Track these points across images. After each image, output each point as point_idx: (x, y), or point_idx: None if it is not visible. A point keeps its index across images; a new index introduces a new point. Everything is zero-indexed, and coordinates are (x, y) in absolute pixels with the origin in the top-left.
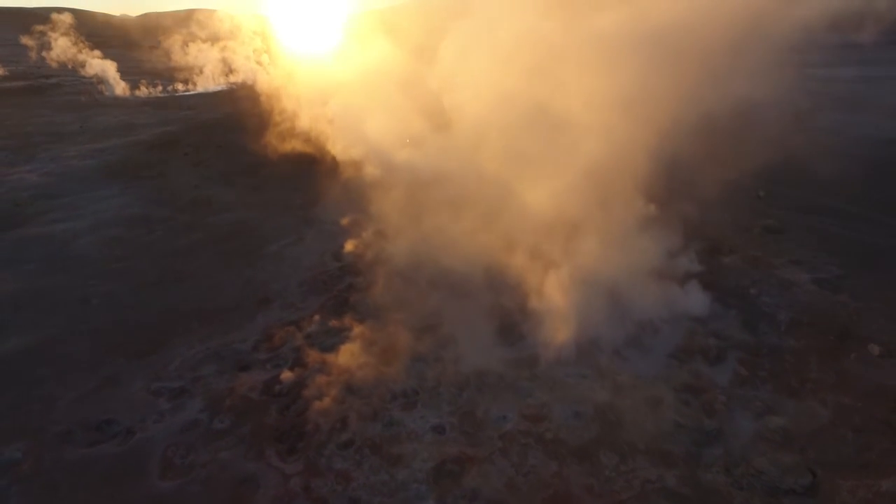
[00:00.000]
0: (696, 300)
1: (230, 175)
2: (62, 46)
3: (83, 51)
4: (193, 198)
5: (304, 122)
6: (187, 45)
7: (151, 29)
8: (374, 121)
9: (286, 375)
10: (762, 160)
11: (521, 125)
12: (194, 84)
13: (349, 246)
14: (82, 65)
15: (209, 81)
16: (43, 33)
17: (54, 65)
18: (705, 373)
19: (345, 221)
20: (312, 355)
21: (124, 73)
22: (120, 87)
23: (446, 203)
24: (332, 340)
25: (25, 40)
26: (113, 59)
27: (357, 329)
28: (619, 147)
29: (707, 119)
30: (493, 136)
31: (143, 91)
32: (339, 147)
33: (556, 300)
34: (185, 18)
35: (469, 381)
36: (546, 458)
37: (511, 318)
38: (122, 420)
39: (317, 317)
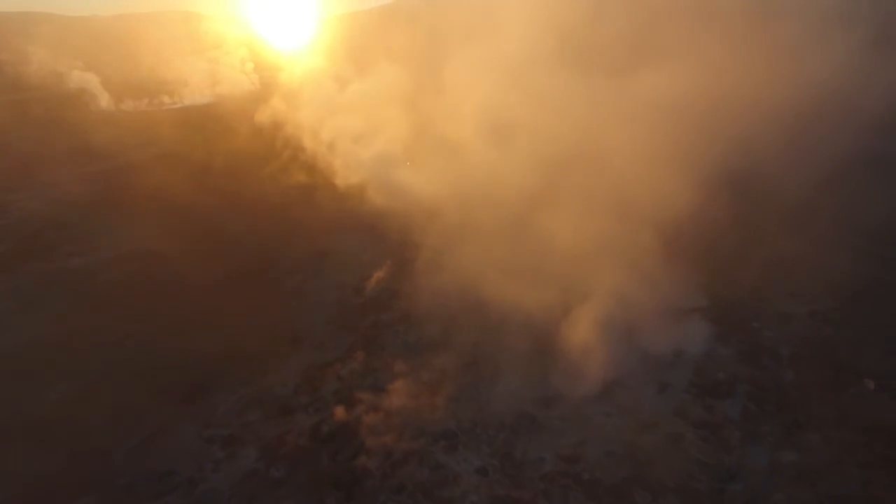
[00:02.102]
0: (703, 335)
1: (236, 202)
2: (42, 58)
3: (64, 62)
4: (204, 228)
5: (302, 144)
6: (170, 53)
7: (129, 32)
8: (376, 146)
9: (337, 416)
10: (772, 202)
11: (556, 166)
12: (180, 96)
13: (368, 280)
14: (64, 76)
15: (195, 94)
16: (22, 46)
17: (36, 78)
18: (718, 408)
19: (358, 252)
20: (351, 399)
21: (106, 83)
22: (105, 100)
23: (462, 234)
24: (367, 382)
25: (3, 54)
26: (93, 68)
27: (390, 371)
28: (646, 192)
29: (728, 173)
30: (519, 171)
31: (128, 104)
32: (341, 174)
33: (578, 338)
34: (163, 21)
35: (504, 421)
36: (586, 498)
37: (537, 357)
38: (182, 470)
39: (349, 358)
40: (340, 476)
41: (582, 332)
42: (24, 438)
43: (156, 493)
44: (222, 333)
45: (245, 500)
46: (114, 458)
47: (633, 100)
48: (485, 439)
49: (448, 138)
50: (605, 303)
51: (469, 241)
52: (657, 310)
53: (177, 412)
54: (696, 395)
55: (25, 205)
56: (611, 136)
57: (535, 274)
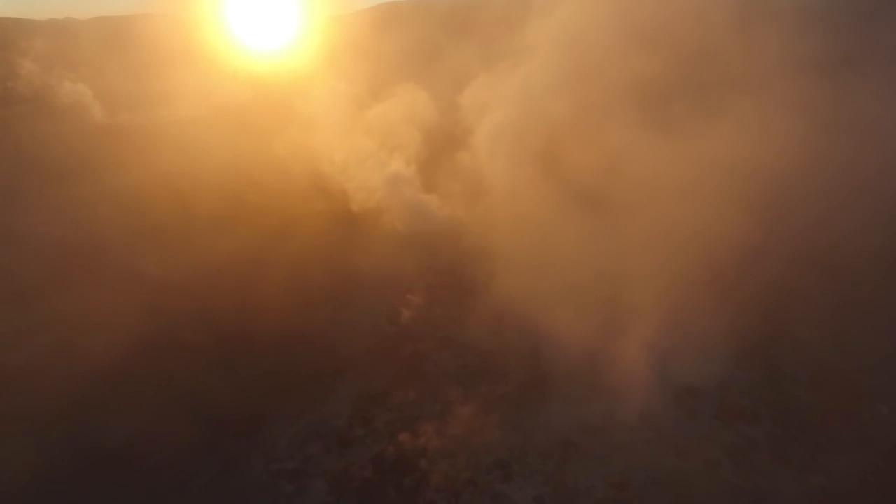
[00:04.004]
0: (726, 362)
1: (256, 226)
2: (32, 70)
3: (54, 73)
4: (230, 255)
5: (312, 163)
6: (159, 62)
7: (112, 38)
8: (393, 168)
9: (395, 447)
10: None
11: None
12: (175, 108)
13: (402, 308)
14: (56, 89)
15: (190, 105)
16: (7, 56)
17: (27, 90)
18: (746, 432)
19: (383, 279)
20: (404, 430)
21: (98, 94)
22: (99, 113)
23: (496, 262)
24: (416, 413)
25: None
26: (84, 78)
27: (437, 401)
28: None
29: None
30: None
31: (123, 117)
32: (359, 199)
33: (616, 366)
34: (143, 26)
35: (551, 449)
36: None
37: (576, 384)
38: None
39: (395, 389)
40: None
41: (620, 360)
42: (99, 477)
43: None
44: (267, 366)
45: None
46: (190, 494)
47: (694, 152)
48: (536, 467)
49: (471, 165)
50: (644, 332)
51: (503, 268)
52: (690, 339)
53: (240, 446)
54: (726, 420)
55: (45, 230)
56: (671, 183)
57: (574, 302)
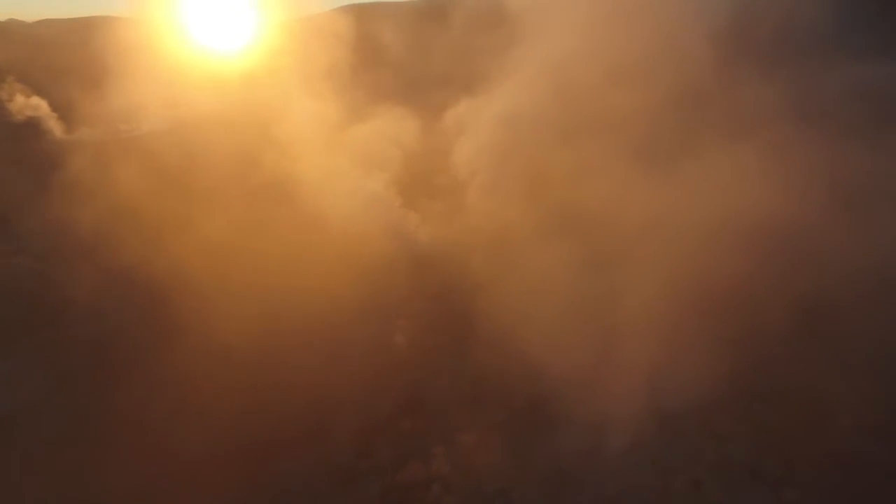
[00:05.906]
0: (708, 385)
1: (230, 252)
2: None
3: (5, 86)
4: (205, 285)
5: (286, 181)
6: (117, 69)
7: (63, 43)
8: (374, 185)
9: (400, 480)
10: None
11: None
12: (137, 122)
13: (396, 336)
14: (7, 104)
15: (152, 118)
16: None
17: None
18: (725, 451)
19: (376, 306)
20: (408, 462)
21: (55, 107)
22: (59, 129)
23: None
24: (417, 445)
25: None
26: (38, 90)
27: (435, 432)
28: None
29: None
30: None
31: (85, 132)
32: (339, 223)
33: (609, 390)
34: (96, 29)
35: (549, 476)
36: None
37: (568, 411)
38: None
39: (394, 421)
40: None
41: (612, 385)
42: None
43: None
44: (267, 402)
45: None
46: None
47: (687, 183)
48: (535, 495)
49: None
50: (635, 358)
51: (494, 295)
52: (677, 364)
53: (251, 488)
54: (706, 437)
55: (10, 261)
56: (664, 213)
57: (566, 329)
